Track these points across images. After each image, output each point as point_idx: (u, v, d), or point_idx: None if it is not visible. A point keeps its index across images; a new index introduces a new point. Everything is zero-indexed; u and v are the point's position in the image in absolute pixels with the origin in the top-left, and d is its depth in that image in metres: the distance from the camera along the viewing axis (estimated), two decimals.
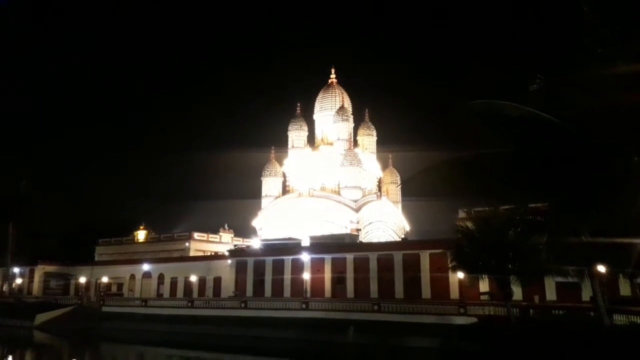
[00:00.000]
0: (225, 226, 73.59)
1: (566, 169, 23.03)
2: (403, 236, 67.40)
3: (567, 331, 23.68)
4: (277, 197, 70.69)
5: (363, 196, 66.32)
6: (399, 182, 74.12)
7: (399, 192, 74.19)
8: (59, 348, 45.35)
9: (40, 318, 54.33)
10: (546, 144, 24.47)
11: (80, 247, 73.14)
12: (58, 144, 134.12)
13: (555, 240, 24.39)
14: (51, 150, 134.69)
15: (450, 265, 34.43)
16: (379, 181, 73.46)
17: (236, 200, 75.92)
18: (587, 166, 22.61)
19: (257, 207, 71.34)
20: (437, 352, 32.78)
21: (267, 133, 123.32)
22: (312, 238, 53.45)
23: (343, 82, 76.13)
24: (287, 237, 56.84)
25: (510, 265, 28.99)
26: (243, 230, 73.45)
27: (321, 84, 76.13)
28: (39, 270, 68.13)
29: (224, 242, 70.62)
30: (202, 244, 68.67)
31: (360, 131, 74.10)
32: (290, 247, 51.65)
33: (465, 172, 25.81)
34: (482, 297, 36.58)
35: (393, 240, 62.18)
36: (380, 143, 75.01)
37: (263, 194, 71.66)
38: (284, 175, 72.41)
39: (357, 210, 64.07)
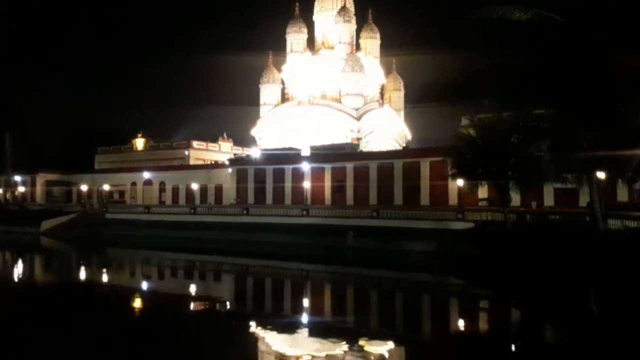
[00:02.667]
0: (224, 135, 73.62)
1: (573, 75, 22.57)
2: (404, 145, 67.52)
3: (562, 235, 24.46)
4: (275, 105, 69.88)
5: (365, 104, 65.52)
6: (403, 89, 72.97)
7: (402, 100, 73.21)
8: (67, 252, 47.36)
9: (46, 225, 56.18)
10: (556, 48, 23.80)
11: (79, 156, 73.83)
12: (55, 52, 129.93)
13: (557, 147, 24.50)
14: (48, 58, 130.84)
15: (450, 173, 34.87)
16: (382, 88, 72.09)
17: (234, 107, 75.15)
18: (595, 74, 22.17)
19: (256, 116, 70.82)
20: (433, 255, 34.23)
21: (265, 37, 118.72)
22: (312, 148, 53.67)
23: None
24: (287, 146, 57.04)
25: (510, 172, 29.33)
26: (242, 139, 73.55)
27: None
28: (41, 179, 69.28)
29: (223, 151, 71.07)
30: (201, 152, 69.18)
31: (363, 34, 71.41)
32: (290, 156, 52.05)
33: (472, 76, 25.34)
34: (480, 203, 37.48)
35: (394, 149, 62.41)
36: (384, 47, 72.60)
37: (261, 102, 70.73)
38: (283, 82, 70.94)
39: (359, 118, 63.64)
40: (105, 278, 30.26)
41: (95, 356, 13.18)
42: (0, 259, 41.01)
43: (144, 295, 24.62)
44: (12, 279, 29.61)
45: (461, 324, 19.09)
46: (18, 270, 33.79)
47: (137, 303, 22.39)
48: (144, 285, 28.22)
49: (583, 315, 17.99)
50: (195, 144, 68.79)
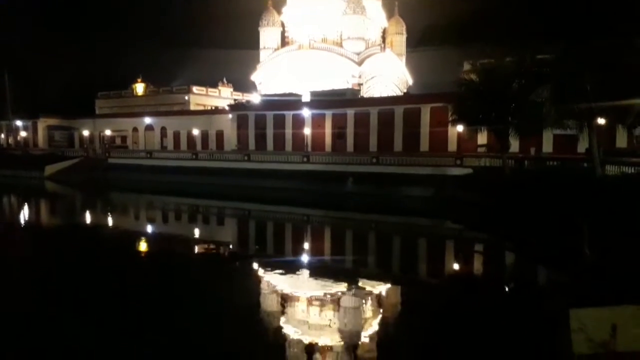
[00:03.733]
0: (224, 80, 72.47)
1: (579, 18, 21.96)
2: (405, 90, 66.60)
3: (559, 181, 24.63)
4: (276, 49, 68.29)
5: (366, 48, 64.01)
6: (405, 33, 71.07)
7: (404, 44, 71.45)
8: (72, 196, 47.92)
9: (50, 169, 56.50)
10: None
11: (79, 101, 73.12)
12: None
13: (559, 93, 24.21)
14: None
15: (450, 119, 34.70)
16: (384, 31, 70.18)
17: (233, 50, 73.42)
18: (602, 16, 21.53)
19: (256, 60, 69.36)
20: (431, 200, 34.62)
21: None
22: (312, 94, 53.00)
23: None
24: (287, 92, 56.30)
25: (510, 118, 29.15)
26: (242, 84, 72.42)
27: None
28: (42, 123, 68.97)
29: (223, 96, 70.24)
30: (201, 97, 68.41)
31: None
32: (290, 102, 51.49)
33: (477, 18, 24.77)
34: (479, 149, 37.52)
35: (395, 94, 61.62)
36: None
37: (261, 45, 69.04)
38: (283, 25, 68.98)
39: (360, 63, 62.39)
40: (110, 221, 30.76)
41: (101, 297, 13.63)
42: (9, 202, 41.56)
43: (148, 237, 25.12)
44: (22, 221, 30.14)
45: (456, 265, 19.60)
46: (27, 213, 34.31)
47: (142, 245, 22.89)
48: (149, 228, 28.75)
49: (576, 259, 18.42)
50: (195, 89, 67.93)
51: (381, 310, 13.02)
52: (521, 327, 10.98)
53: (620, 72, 21.26)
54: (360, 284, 15.25)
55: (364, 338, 10.87)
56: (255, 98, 60.19)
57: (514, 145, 33.04)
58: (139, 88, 72.70)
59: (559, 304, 12.03)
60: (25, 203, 39.79)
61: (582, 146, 30.35)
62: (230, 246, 23.49)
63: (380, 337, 10.90)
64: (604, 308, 7.87)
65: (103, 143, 63.33)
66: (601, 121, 25.65)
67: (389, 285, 15.63)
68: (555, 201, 22.66)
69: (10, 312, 12.04)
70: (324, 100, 50.17)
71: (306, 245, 23.00)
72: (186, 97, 66.60)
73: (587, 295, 12.77)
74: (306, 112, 48.47)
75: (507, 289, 15.74)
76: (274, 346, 10.17)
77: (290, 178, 42.35)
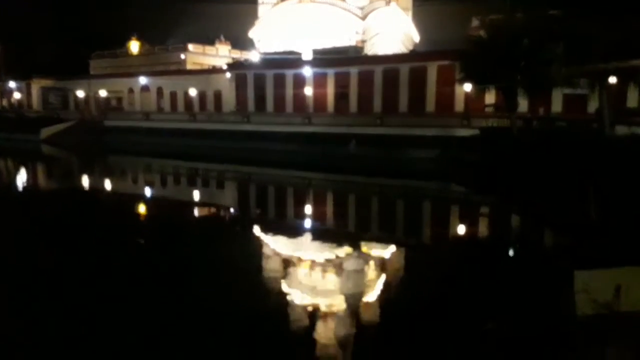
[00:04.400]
0: (222, 37, 71.21)
1: None
2: (411, 48, 65.48)
3: (567, 142, 24.56)
4: (275, 4, 66.75)
5: (370, 2, 62.57)
6: None
7: None
8: (68, 160, 48.07)
9: (45, 132, 56.51)
10: None
11: (73, 61, 72.22)
12: None
13: (570, 51, 23.85)
14: None
15: (458, 77, 34.29)
16: None
17: (231, 5, 71.75)
18: None
19: (254, 16, 67.89)
20: (436, 162, 34.60)
21: None
22: (314, 52, 52.18)
23: None
24: (287, 50, 55.42)
25: (519, 76, 28.80)
26: (240, 42, 71.07)
27: None
28: (36, 85, 68.41)
29: (221, 55, 69.20)
30: (198, 56, 67.42)
31: None
32: (291, 61, 50.73)
33: None
34: (486, 109, 37.24)
35: (400, 52, 60.63)
36: None
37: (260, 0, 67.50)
38: None
39: (364, 18, 61.01)
40: (109, 185, 30.98)
41: (100, 260, 13.87)
42: (6, 165, 41.75)
43: (147, 201, 25.35)
44: (20, 185, 30.36)
45: (460, 228, 19.81)
46: (24, 177, 34.53)
47: (141, 209, 23.12)
48: (148, 191, 28.95)
49: (583, 221, 18.57)
50: (191, 47, 66.84)
51: (384, 272, 13.28)
52: (525, 288, 11.21)
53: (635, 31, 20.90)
54: (363, 246, 15.49)
55: (367, 300, 11.14)
56: (254, 56, 59.28)
57: (522, 105, 32.78)
58: (134, 47, 71.62)
59: (563, 266, 12.24)
60: (23, 167, 39.99)
61: (591, 106, 30.11)
62: (231, 210, 23.72)
63: (384, 299, 11.16)
64: (608, 269, 8.05)
65: (99, 105, 62.97)
66: (612, 80, 25.34)
67: (392, 248, 15.87)
68: (563, 162, 22.66)
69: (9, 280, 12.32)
70: (326, 58, 49.45)
71: (308, 209, 23.20)
72: (182, 56, 65.65)
73: (592, 257, 12.97)
74: (307, 71, 47.85)
75: (511, 251, 15.98)
76: (276, 309, 10.43)
77: (292, 140, 42.29)
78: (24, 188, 29.23)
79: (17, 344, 8.74)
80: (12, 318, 9.92)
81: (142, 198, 26.00)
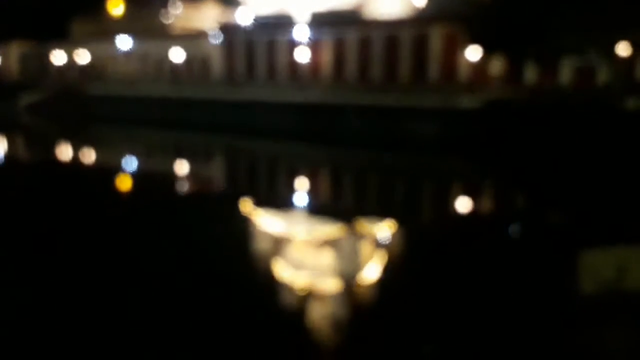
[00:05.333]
0: None
1: None
2: (413, 12, 64.31)
3: (575, 114, 24.42)
4: None
5: None
6: None
7: None
8: (49, 130, 47.53)
9: (25, 99, 55.76)
10: None
11: (54, 24, 70.71)
12: None
13: (579, 17, 23.46)
14: None
15: (463, 44, 33.79)
16: None
17: None
18: None
19: None
20: (437, 134, 34.35)
21: None
22: (310, 15, 51.22)
23: None
24: (281, 12, 54.35)
25: (527, 45, 28.42)
26: (229, 2, 69.73)
27: None
28: (14, 50, 67.21)
29: (209, 17, 67.95)
30: (185, 20, 66.23)
31: None
32: (284, 25, 49.76)
33: None
34: (492, 80, 36.84)
35: (401, 16, 59.63)
36: None
37: None
38: None
39: None
40: (93, 156, 30.69)
41: (87, 235, 13.76)
42: None
43: (133, 174, 25.11)
44: (1, 157, 30.08)
45: (461, 204, 19.75)
46: (6, 147, 34.13)
47: (126, 184, 22.93)
48: (133, 164, 28.69)
49: (589, 198, 18.56)
50: (178, 9, 65.56)
51: (381, 248, 13.23)
52: (528, 267, 11.19)
53: None
54: (359, 223, 15.41)
55: (364, 277, 11.10)
56: (244, 19, 58.19)
57: (530, 75, 32.45)
58: (118, 10, 70.19)
59: (568, 244, 12.23)
60: (3, 136, 39.55)
61: (600, 77, 29.80)
62: (220, 184, 23.56)
63: (380, 276, 11.12)
64: (613, 248, 8.02)
65: (81, 71, 62.04)
66: (622, 52, 25.05)
67: (390, 224, 15.81)
68: (570, 136, 22.55)
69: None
70: (323, 21, 48.53)
71: (302, 184, 23.05)
72: (169, 19, 64.45)
73: (597, 235, 12.97)
74: (302, 36, 47.04)
75: (514, 229, 15.96)
76: (268, 287, 10.38)
77: (284, 111, 41.86)
78: (3, 160, 28.92)
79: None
80: None
81: (126, 172, 25.76)
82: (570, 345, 6.79)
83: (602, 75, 27.77)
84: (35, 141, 39.25)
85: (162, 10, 65.38)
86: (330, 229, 14.76)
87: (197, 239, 13.43)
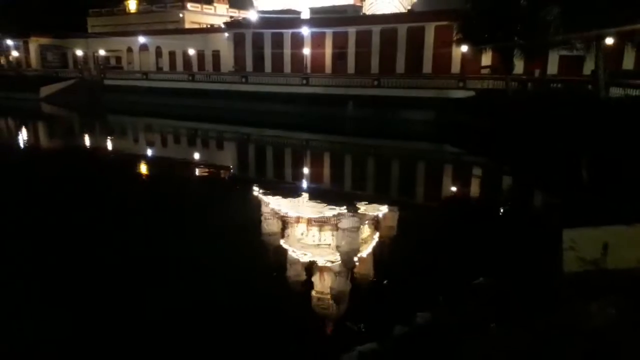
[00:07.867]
0: None
1: None
2: (409, 8, 63.83)
3: (562, 104, 24.31)
4: None
5: None
6: None
7: None
8: (69, 119, 47.52)
9: (45, 91, 55.63)
10: None
11: (70, 18, 70.24)
12: None
13: (567, 11, 23.26)
14: None
15: (455, 38, 33.61)
16: None
17: None
18: None
19: None
20: (431, 123, 34.35)
21: None
22: (312, 11, 50.82)
23: None
24: (285, 8, 53.96)
25: (516, 38, 28.24)
26: (238, 0, 69.35)
27: None
28: (33, 43, 66.83)
29: (219, 13, 67.55)
30: (196, 15, 65.80)
31: None
32: (289, 20, 49.45)
33: None
34: (483, 71, 36.71)
35: (398, 12, 59.16)
36: None
37: None
38: None
39: None
40: (110, 145, 30.75)
41: (104, 220, 13.89)
42: (7, 125, 41.23)
43: (148, 161, 25.23)
44: (22, 144, 30.11)
45: (453, 188, 19.84)
46: (26, 136, 34.19)
47: (142, 169, 23.04)
48: (148, 151, 28.78)
49: (574, 182, 18.60)
50: (189, 5, 65.12)
51: (379, 231, 13.35)
52: (514, 246, 11.28)
53: None
54: (358, 206, 15.51)
55: (362, 257, 11.23)
56: (252, 15, 57.76)
57: (519, 66, 32.29)
58: (132, 4, 69.70)
59: (552, 225, 12.32)
60: (23, 126, 39.55)
61: (587, 68, 29.62)
62: (230, 170, 23.64)
63: (378, 256, 11.26)
64: (596, 228, 8.06)
65: (98, 64, 61.76)
66: (609, 42, 24.84)
67: (386, 208, 15.91)
68: (556, 124, 22.51)
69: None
70: (324, 17, 48.22)
71: (305, 170, 23.14)
72: (180, 15, 64.06)
73: (580, 216, 13.03)
74: (305, 31, 46.76)
75: (501, 211, 16.04)
76: (274, 265, 10.52)
77: (289, 101, 41.76)
78: (26, 147, 29.01)
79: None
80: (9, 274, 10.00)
81: (141, 158, 25.87)
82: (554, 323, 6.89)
83: (589, 66, 27.57)
84: (54, 129, 39.28)
85: (175, 7, 64.98)
86: (332, 211, 14.87)
87: (205, 220, 13.61)
